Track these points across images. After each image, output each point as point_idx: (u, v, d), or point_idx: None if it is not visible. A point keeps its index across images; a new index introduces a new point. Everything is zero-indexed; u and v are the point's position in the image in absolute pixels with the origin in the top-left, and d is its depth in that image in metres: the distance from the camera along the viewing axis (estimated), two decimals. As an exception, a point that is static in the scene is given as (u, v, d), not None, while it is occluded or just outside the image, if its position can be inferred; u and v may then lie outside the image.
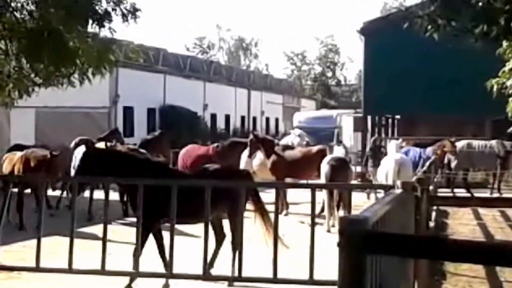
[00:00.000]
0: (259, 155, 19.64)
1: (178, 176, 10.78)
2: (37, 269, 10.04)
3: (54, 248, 12.01)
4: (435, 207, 16.16)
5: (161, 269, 10.02)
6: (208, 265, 10.01)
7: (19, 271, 10.64)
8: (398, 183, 9.09)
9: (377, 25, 33.04)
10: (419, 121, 35.61)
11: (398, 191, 8.33)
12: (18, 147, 18.64)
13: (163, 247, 10.28)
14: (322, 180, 16.33)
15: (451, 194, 22.73)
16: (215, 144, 22.02)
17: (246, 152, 19.65)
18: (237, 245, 10.15)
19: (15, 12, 10.90)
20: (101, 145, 17.62)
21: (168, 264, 9.85)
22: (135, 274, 9.91)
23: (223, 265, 10.52)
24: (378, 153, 22.88)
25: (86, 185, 11.10)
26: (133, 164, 10.46)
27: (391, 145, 19.92)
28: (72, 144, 21.76)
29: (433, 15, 12.93)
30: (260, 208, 10.93)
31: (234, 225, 10.30)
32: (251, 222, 11.02)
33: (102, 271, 9.94)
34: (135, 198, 9.79)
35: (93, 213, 16.46)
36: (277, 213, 9.94)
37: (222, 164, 19.77)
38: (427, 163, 19.29)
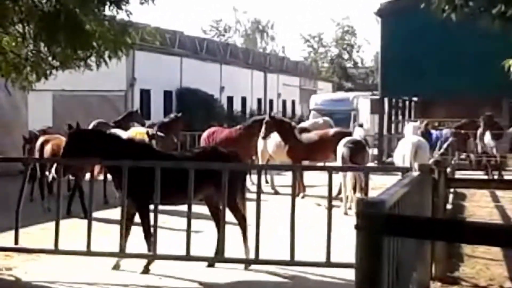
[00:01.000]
0: (276, 138, 19.62)
1: (162, 158, 10.76)
2: (56, 251, 10.11)
3: (72, 231, 12.09)
4: (452, 190, 16.12)
5: (176, 251, 10.05)
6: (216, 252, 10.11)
7: (38, 253, 10.72)
8: (416, 165, 9.09)
9: (394, 6, 32.78)
10: (436, 102, 35.42)
11: (416, 173, 8.32)
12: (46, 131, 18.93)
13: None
14: (339, 162, 16.31)
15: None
16: (238, 126, 21.99)
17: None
18: (222, 227, 10.12)
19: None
20: (136, 129, 17.62)
21: (151, 245, 9.96)
22: (151, 257, 9.95)
23: (240, 249, 10.54)
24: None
25: (70, 167, 11.12)
26: (117, 145, 10.46)
27: (408, 127, 19.85)
28: (90, 127, 21.85)
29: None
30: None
31: (223, 207, 9.99)
32: (266, 205, 11.02)
33: (121, 254, 10.01)
34: (119, 180, 9.88)
35: (108, 196, 16.46)
36: (294, 196, 9.93)
37: (246, 144, 19.92)
38: (445, 145, 19.23)
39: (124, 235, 10.05)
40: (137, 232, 10.29)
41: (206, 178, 10.12)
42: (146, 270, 9.98)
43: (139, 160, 10.05)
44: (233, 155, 11.08)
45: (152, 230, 10.01)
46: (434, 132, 24.37)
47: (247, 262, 10.08)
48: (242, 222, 10.60)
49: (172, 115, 22.77)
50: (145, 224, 10.16)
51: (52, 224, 10.52)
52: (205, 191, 10.55)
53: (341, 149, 16.37)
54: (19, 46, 11.63)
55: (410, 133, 18.09)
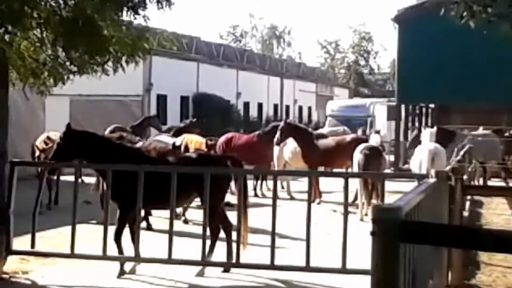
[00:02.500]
0: (292, 144, 19.60)
1: (150, 162, 10.82)
2: (72, 255, 10.15)
3: (88, 235, 12.12)
4: (469, 197, 16.04)
5: (193, 255, 10.05)
6: (208, 253, 10.12)
7: (54, 257, 10.76)
8: (432, 172, 9.06)
9: (411, 12, 32.72)
10: (453, 109, 35.30)
11: (432, 180, 8.29)
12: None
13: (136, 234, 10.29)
14: (355, 168, 16.28)
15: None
16: (256, 132, 21.98)
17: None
18: (214, 232, 10.27)
19: (50, 1, 10.96)
20: (191, 137, 17.51)
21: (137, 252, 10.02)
22: (168, 261, 9.96)
23: (256, 254, 10.53)
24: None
25: (56, 170, 11.23)
26: (108, 149, 10.56)
27: (425, 134, 19.78)
28: (107, 132, 21.93)
29: (469, 1, 12.79)
30: (240, 198, 10.46)
31: (206, 211, 9.93)
32: (282, 210, 11.01)
33: (136, 258, 10.03)
34: (109, 183, 9.98)
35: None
36: (309, 202, 9.92)
37: (265, 150, 19.89)
38: (461, 152, 19.13)
39: (134, 239, 10.10)
40: (152, 237, 10.31)
41: (192, 182, 10.14)
42: (122, 272, 10.04)
43: (129, 164, 10.13)
44: (218, 159, 11.16)
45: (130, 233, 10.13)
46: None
47: (264, 268, 10.05)
48: (227, 226, 10.61)
49: (187, 121, 22.84)
50: (119, 226, 10.23)
51: (67, 228, 10.56)
52: (191, 196, 10.64)
53: (358, 155, 16.34)
54: (37, 51, 11.68)
55: (427, 139, 18.03)
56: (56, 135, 15.27)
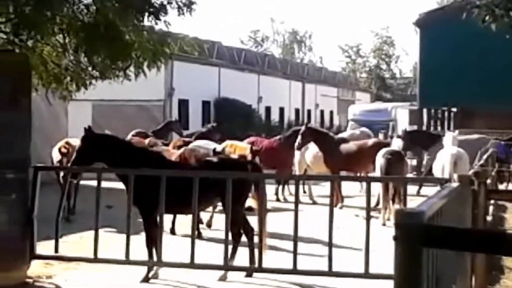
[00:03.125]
0: (314, 148, 19.56)
1: (171, 166, 10.80)
2: (95, 260, 10.18)
3: (111, 240, 12.17)
4: (492, 201, 15.92)
5: (215, 260, 10.05)
6: (230, 257, 10.06)
7: (78, 261, 10.81)
8: (455, 176, 8.99)
9: (433, 16, 32.66)
10: (476, 113, 35.13)
11: (455, 184, 8.23)
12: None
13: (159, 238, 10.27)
14: (377, 173, 16.22)
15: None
16: (278, 137, 21.97)
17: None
18: (235, 236, 10.25)
19: (72, 7, 11.04)
20: (234, 143, 17.40)
21: (159, 255, 9.98)
22: (190, 265, 9.96)
23: (278, 259, 10.52)
24: None
25: (79, 174, 11.23)
26: (128, 152, 10.55)
27: (448, 138, 19.67)
28: (129, 137, 22.02)
29: (491, 5, 12.74)
30: (260, 203, 10.60)
31: (228, 216, 9.91)
32: (304, 215, 10.99)
33: (159, 262, 10.05)
34: (131, 188, 9.95)
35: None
36: (332, 206, 9.89)
37: (286, 154, 19.87)
38: (484, 156, 19.01)
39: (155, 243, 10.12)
40: (174, 242, 10.32)
41: (214, 187, 10.14)
42: (146, 277, 10.04)
43: (150, 168, 10.14)
44: (241, 164, 11.13)
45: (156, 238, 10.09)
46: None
47: (286, 272, 10.01)
48: (248, 231, 10.57)
49: (209, 125, 22.89)
50: (147, 231, 10.26)
51: (90, 233, 10.60)
52: (212, 200, 10.62)
53: (380, 160, 16.29)
54: (59, 57, 11.78)
55: (450, 143, 17.93)
56: (75, 141, 15.30)
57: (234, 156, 14.66)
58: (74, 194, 16.17)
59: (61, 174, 14.75)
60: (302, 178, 18.06)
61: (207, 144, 16.84)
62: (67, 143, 15.72)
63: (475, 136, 24.48)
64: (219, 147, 16.50)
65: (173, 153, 14.70)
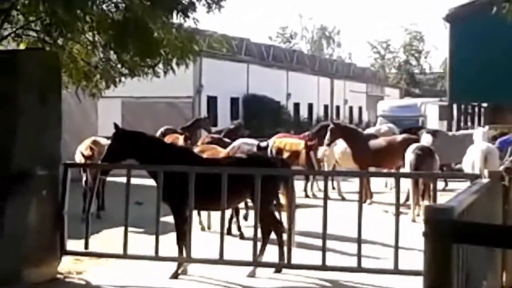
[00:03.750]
0: (342, 144, 19.52)
1: (201, 163, 10.81)
2: (125, 255, 10.25)
3: (140, 236, 12.23)
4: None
5: (244, 256, 10.06)
6: (259, 254, 10.07)
7: (107, 257, 10.88)
8: (485, 172, 8.93)
9: (462, 11, 32.41)
10: (506, 109, 34.82)
11: (485, 180, 8.18)
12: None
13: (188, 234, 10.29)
14: (407, 169, 16.14)
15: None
16: (306, 133, 21.97)
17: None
18: (265, 233, 10.26)
19: (101, 4, 11.11)
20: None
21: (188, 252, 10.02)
22: (219, 261, 9.97)
23: (307, 255, 10.51)
24: None
25: (109, 171, 11.25)
26: (158, 149, 10.59)
27: (478, 134, 19.52)
28: (158, 134, 22.13)
29: (522, 0, 12.62)
30: (288, 199, 10.58)
31: (257, 213, 9.90)
32: (333, 211, 10.96)
33: (188, 259, 10.09)
34: (161, 184, 10.00)
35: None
36: (361, 202, 9.87)
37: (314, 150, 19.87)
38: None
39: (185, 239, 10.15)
40: (202, 238, 10.35)
41: (243, 184, 10.14)
42: (175, 273, 10.07)
43: (179, 165, 10.17)
44: (270, 160, 11.12)
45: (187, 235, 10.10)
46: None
47: (315, 268, 10.00)
48: (278, 227, 10.56)
49: (236, 122, 22.99)
50: (178, 228, 10.27)
51: (120, 229, 10.66)
52: (242, 197, 10.63)
53: (410, 155, 16.21)
54: (89, 54, 11.85)
55: (480, 139, 17.80)
56: (103, 140, 15.11)
57: (287, 152, 14.44)
58: (102, 191, 16.16)
59: (87, 173, 14.67)
60: (331, 174, 18.02)
61: (251, 141, 16.83)
62: (94, 142, 15.48)
63: (465, 132, 24.33)
64: (268, 143, 16.35)
65: (220, 152, 14.66)
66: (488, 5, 13.72)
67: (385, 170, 18.86)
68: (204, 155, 13.25)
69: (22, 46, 11.50)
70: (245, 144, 16.26)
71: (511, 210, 9.29)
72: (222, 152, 14.39)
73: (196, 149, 14.63)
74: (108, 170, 11.11)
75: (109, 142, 11.32)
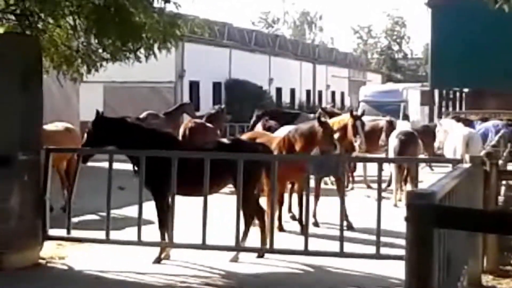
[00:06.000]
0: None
1: (183, 148, 10.79)
2: (107, 241, 10.23)
3: (123, 221, 12.21)
4: (504, 182, 15.86)
5: (227, 241, 10.08)
6: (241, 239, 10.06)
7: (90, 242, 10.86)
8: (467, 157, 8.97)
9: (444, -3, 32.47)
10: (487, 94, 34.98)
11: (467, 165, 8.22)
12: None
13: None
14: (391, 154, 16.18)
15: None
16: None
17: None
18: (246, 216, 10.17)
19: (82, -12, 11.02)
20: None
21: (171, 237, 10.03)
22: (202, 246, 9.97)
23: (289, 240, 10.53)
24: None
25: (89, 157, 11.18)
26: (139, 134, 10.58)
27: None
28: (140, 118, 22.05)
29: (504, -15, 12.63)
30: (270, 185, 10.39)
31: (239, 197, 9.86)
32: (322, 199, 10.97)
33: (171, 244, 10.09)
34: (143, 170, 9.96)
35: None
36: (342, 188, 9.90)
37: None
38: (496, 137, 18.93)
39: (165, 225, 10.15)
40: (185, 223, 10.34)
41: (225, 169, 10.13)
42: (158, 260, 10.08)
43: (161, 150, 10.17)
44: (253, 146, 11.13)
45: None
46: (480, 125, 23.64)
47: (297, 253, 10.02)
48: (260, 212, 10.60)
49: (216, 107, 23.01)
50: (160, 213, 10.27)
51: (102, 214, 10.64)
52: (224, 182, 10.63)
53: (393, 140, 16.24)
54: (70, 39, 11.76)
55: (461, 125, 17.86)
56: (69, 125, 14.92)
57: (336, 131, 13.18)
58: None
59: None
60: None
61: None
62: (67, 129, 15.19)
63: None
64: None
65: (273, 138, 13.30)
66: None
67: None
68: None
69: (1, 30, 11.40)
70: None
71: (492, 195, 9.36)
72: (275, 139, 13.17)
73: (245, 136, 14.07)
74: (88, 157, 11.02)
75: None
